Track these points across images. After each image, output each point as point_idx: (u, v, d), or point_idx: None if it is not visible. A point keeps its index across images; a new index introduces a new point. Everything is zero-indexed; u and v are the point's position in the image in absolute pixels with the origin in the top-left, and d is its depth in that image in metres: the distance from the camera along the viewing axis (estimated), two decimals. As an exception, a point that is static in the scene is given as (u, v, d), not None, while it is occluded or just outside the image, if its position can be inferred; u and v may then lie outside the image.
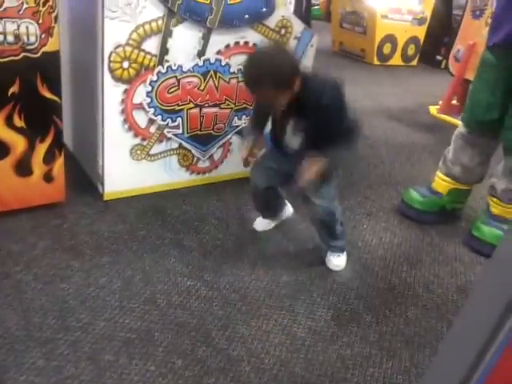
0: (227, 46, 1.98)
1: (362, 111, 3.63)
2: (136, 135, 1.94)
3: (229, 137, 2.20)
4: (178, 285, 1.57)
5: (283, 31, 2.10)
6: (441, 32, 5.43)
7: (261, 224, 1.96)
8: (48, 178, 1.81)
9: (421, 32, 5.51)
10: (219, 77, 2.01)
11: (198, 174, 2.20)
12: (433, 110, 3.85)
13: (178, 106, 1.98)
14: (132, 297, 1.49)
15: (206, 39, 1.92)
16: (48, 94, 1.68)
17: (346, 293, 1.65)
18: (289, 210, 1.99)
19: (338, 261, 1.79)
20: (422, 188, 2.25)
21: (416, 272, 1.83)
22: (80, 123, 2.19)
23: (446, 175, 2.18)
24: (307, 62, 2.24)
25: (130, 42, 1.76)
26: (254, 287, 1.62)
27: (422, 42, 5.58)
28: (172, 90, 1.93)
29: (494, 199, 2.01)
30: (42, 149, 1.75)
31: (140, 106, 1.89)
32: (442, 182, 2.19)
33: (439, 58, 5.54)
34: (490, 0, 3.59)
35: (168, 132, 2.01)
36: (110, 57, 1.75)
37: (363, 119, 3.47)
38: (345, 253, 1.81)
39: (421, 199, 2.19)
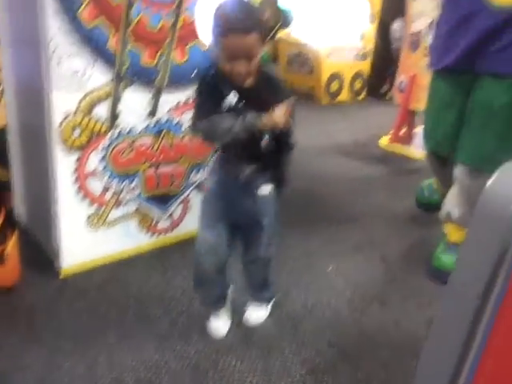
0: (177, 104, 2.01)
1: (316, 149, 3.74)
2: (91, 203, 1.90)
3: (187, 193, 2.19)
4: (146, 360, 1.51)
5: (232, 85, 2.15)
6: (383, 65, 5.71)
7: (221, 325, 1.65)
8: (0, 259, 1.73)
9: (365, 67, 5.77)
10: (172, 135, 2.03)
11: (159, 234, 2.17)
12: (384, 141, 3.99)
13: (133, 168, 1.96)
14: (98, 380, 1.42)
15: (156, 99, 1.94)
16: (-4, 171, 1.64)
17: (318, 344, 1.64)
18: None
19: (260, 313, 1.71)
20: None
21: (385, 311, 1.85)
22: (33, 196, 2.13)
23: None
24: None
25: (80, 110, 1.75)
26: (224, 351, 1.57)
27: (366, 76, 5.83)
28: (126, 153, 1.92)
29: (451, 226, 2.07)
30: (-9, 229, 1.68)
31: (94, 173, 1.86)
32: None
33: (384, 90, 5.80)
34: (424, 33, 3.83)
35: (125, 196, 1.98)
36: (59, 126, 1.73)
37: (317, 158, 3.58)
38: (271, 303, 1.74)
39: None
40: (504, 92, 1.80)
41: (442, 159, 2.14)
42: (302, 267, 2.11)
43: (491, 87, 1.82)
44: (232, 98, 1.33)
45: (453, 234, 2.07)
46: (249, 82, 1.34)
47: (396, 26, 5.23)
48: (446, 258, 2.04)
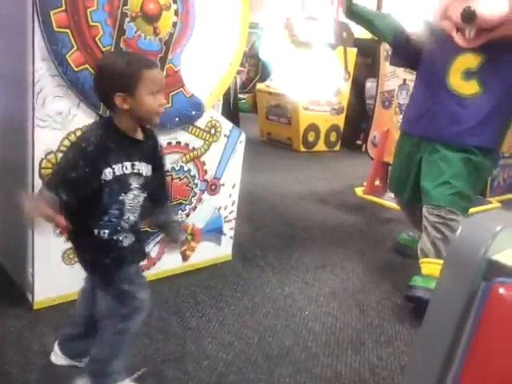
0: (160, 147, 2.05)
1: (294, 195, 3.82)
2: (68, 239, 1.89)
3: (165, 233, 2.20)
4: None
5: (213, 131, 2.22)
6: (358, 120, 5.97)
7: None
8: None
9: (340, 120, 6.02)
10: (153, 176, 2.06)
11: (135, 274, 2.15)
12: (358, 191, 4.11)
13: (112, 207, 1.97)
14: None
15: (138, 141, 1.98)
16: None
17: (294, 388, 1.62)
18: None
19: None
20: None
21: (360, 356, 1.85)
22: (8, 230, 2.10)
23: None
24: (238, 157, 2.36)
25: (62, 148, 1.78)
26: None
27: (342, 129, 6.07)
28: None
29: (425, 260, 2.18)
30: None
31: (72, 211, 1.86)
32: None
33: (359, 142, 6.02)
34: (395, 92, 4.06)
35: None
36: (40, 164, 1.75)
37: (295, 204, 3.66)
38: None
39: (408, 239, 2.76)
40: (452, 154, 2.22)
41: (408, 204, 2.56)
42: (280, 310, 2.11)
43: (441, 150, 2.25)
44: (120, 169, 1.25)
45: (425, 267, 2.18)
46: (138, 133, 1.31)
47: (369, 84, 5.53)
48: (420, 278, 2.15)
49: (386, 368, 1.78)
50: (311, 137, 5.79)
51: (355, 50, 5.80)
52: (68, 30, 1.67)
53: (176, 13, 1.91)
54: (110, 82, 1.23)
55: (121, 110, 1.23)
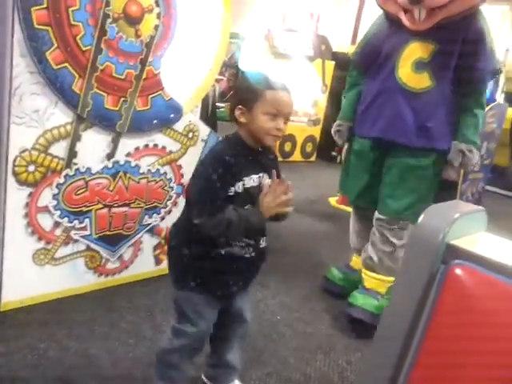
0: (137, 149, 2.06)
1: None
2: (40, 239, 1.87)
3: (139, 235, 2.19)
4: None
5: (191, 135, 2.24)
6: (333, 131, 6.07)
7: None
8: None
9: (316, 131, 6.13)
10: (129, 177, 2.06)
11: (107, 275, 2.13)
12: (332, 200, 4.18)
13: (86, 207, 1.96)
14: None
15: (115, 142, 1.98)
16: None
17: (264, 390, 1.63)
18: None
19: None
20: (341, 266, 2.46)
21: (330, 360, 1.88)
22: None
23: (357, 254, 2.40)
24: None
25: (37, 146, 1.76)
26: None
27: (318, 140, 6.17)
28: (80, 191, 1.92)
29: (368, 272, 2.21)
30: None
31: (45, 209, 1.84)
32: (357, 261, 2.39)
33: (334, 153, 6.13)
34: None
35: (75, 234, 1.96)
36: (14, 161, 1.73)
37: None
38: None
39: (341, 276, 2.41)
40: (415, 160, 2.05)
41: (361, 211, 2.34)
42: (252, 315, 2.11)
43: (403, 155, 2.06)
44: (249, 181, 1.28)
45: (368, 280, 2.20)
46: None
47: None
48: (361, 297, 2.13)
49: (354, 372, 1.82)
50: (288, 147, 5.86)
51: (333, 63, 5.93)
52: (49, 28, 1.67)
53: (158, 16, 1.93)
54: (236, 94, 1.34)
55: (239, 123, 1.29)
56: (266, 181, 1.30)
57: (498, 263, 0.67)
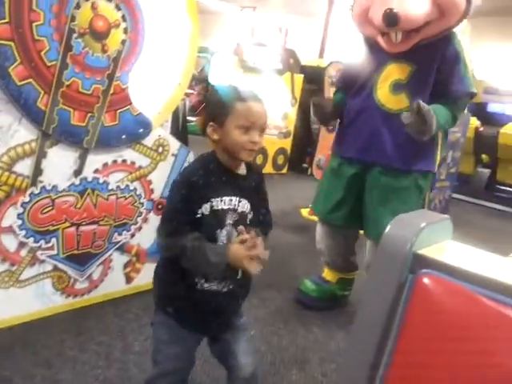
0: (105, 165, 2.02)
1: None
2: (4, 260, 1.80)
3: (109, 254, 2.14)
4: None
5: (161, 149, 2.22)
6: (304, 144, 6.16)
7: None
8: None
9: (287, 144, 6.18)
10: (97, 194, 2.01)
11: (76, 296, 2.06)
12: (304, 212, 4.20)
13: (53, 226, 1.90)
14: None
15: (82, 159, 1.94)
16: None
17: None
18: None
19: None
20: (314, 277, 2.49)
21: (305, 374, 1.87)
22: None
23: (328, 266, 2.45)
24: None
25: (0, 164, 1.71)
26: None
27: (289, 152, 6.23)
28: (46, 210, 1.87)
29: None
30: None
31: (9, 230, 1.78)
32: (329, 272, 2.46)
33: (305, 166, 6.20)
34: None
35: (41, 254, 1.90)
36: (-25, 180, 1.67)
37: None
38: None
39: (314, 287, 2.42)
40: (395, 181, 2.10)
41: (333, 228, 2.33)
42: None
43: (384, 175, 2.11)
44: (219, 203, 1.20)
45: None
46: (242, 168, 1.26)
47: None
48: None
49: (330, 383, 1.82)
50: (259, 159, 5.88)
51: (302, 76, 6.02)
52: (11, 43, 1.63)
53: (125, 31, 1.92)
54: (207, 111, 1.25)
55: (213, 141, 1.23)
56: (240, 226, 1.22)
57: (465, 271, 0.68)
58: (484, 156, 6.11)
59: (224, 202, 1.21)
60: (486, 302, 0.64)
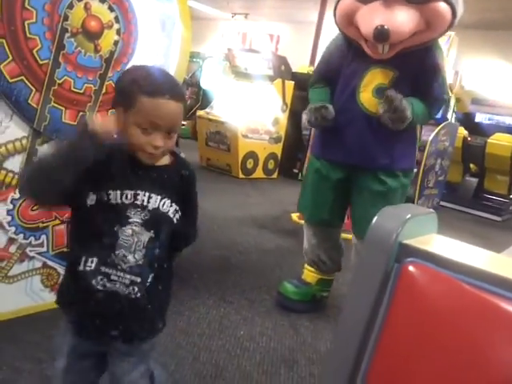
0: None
1: (233, 220, 3.86)
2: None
3: (99, 252, 2.13)
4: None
5: (152, 150, 2.22)
6: (295, 149, 6.20)
7: None
8: None
9: (278, 149, 6.22)
10: (88, 193, 2.01)
11: (65, 294, 2.06)
12: (294, 216, 4.22)
13: (43, 223, 1.90)
14: None
15: (73, 157, 1.94)
16: None
17: (228, 405, 1.61)
18: None
19: None
20: (294, 280, 2.48)
21: (293, 374, 1.88)
22: None
23: (311, 267, 2.46)
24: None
25: (-10, 161, 1.71)
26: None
27: (279, 157, 6.26)
28: (36, 207, 1.86)
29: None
30: None
31: (-1, 226, 1.78)
32: (309, 274, 2.47)
33: (295, 171, 6.24)
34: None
35: (30, 251, 1.89)
36: (-35, 176, 1.66)
37: (234, 228, 3.69)
38: None
39: (294, 290, 2.42)
40: (382, 182, 2.14)
41: (318, 228, 2.38)
42: (215, 331, 2.10)
43: (371, 178, 2.14)
44: (117, 197, 1.03)
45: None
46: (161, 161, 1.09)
47: (305, 116, 5.78)
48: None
49: (318, 384, 1.83)
50: (250, 164, 5.91)
51: (292, 82, 6.08)
52: (3, 40, 1.63)
53: (118, 32, 1.93)
54: (116, 91, 1.10)
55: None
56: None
57: (449, 260, 0.70)
58: (472, 165, 6.20)
59: (126, 196, 1.03)
60: (469, 290, 0.66)
